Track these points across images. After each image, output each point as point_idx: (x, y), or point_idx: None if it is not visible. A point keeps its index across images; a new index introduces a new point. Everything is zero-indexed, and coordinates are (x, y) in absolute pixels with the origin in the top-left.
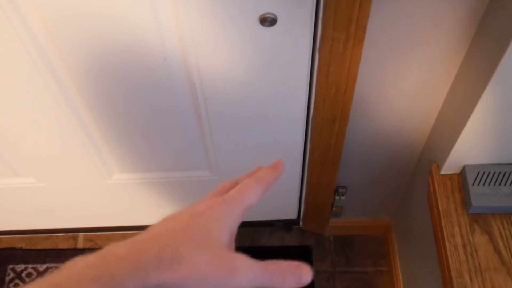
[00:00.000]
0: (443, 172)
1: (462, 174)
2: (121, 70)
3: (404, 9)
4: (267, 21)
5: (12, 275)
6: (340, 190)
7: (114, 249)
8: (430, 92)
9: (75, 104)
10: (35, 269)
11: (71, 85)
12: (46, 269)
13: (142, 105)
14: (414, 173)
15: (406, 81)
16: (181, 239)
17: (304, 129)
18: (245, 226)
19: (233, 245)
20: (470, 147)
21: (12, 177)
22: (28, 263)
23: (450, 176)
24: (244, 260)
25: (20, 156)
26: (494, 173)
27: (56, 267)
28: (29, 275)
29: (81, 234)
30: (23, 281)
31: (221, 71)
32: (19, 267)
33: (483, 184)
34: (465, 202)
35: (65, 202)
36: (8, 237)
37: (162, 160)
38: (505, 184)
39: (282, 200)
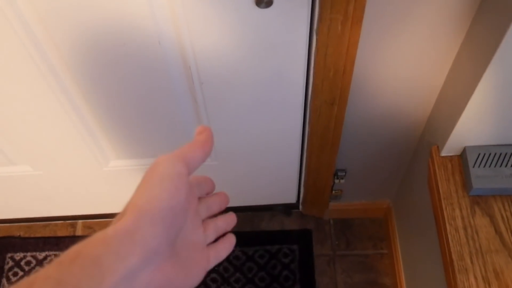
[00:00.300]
0: (443, 154)
1: (462, 156)
2: (115, 55)
3: None
4: (263, 2)
5: (11, 263)
6: (339, 174)
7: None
8: (430, 72)
9: (69, 90)
10: (34, 257)
11: (64, 72)
12: (45, 257)
13: (137, 91)
14: (415, 155)
15: (405, 61)
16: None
17: (303, 112)
18: (244, 210)
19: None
20: (471, 128)
21: (8, 165)
22: (27, 251)
23: (451, 158)
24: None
25: (15, 144)
26: (495, 154)
27: (55, 255)
28: (28, 263)
29: (80, 221)
30: (22, 270)
31: (217, 55)
32: (18, 255)
33: (484, 166)
34: (466, 184)
35: (63, 190)
36: (7, 225)
37: (158, 145)
38: (506, 166)
39: (282, 184)
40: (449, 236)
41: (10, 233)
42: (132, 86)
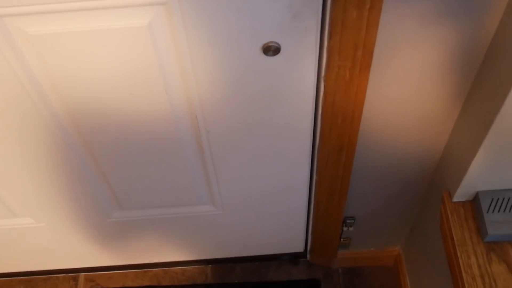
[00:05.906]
0: (455, 199)
1: (475, 201)
2: (121, 105)
3: (410, 32)
4: (271, 50)
5: None
6: (348, 221)
7: None
8: (440, 117)
9: (73, 138)
10: None
11: (67, 119)
12: None
13: (143, 140)
14: (425, 201)
15: (414, 106)
16: None
17: (310, 159)
18: (251, 260)
19: None
20: (483, 173)
21: (10, 218)
22: None
23: (463, 203)
24: None
25: (17, 196)
26: (509, 198)
27: None
28: None
29: (82, 274)
30: None
31: (224, 103)
32: None
33: (498, 211)
34: (480, 230)
35: (65, 242)
36: (7, 279)
37: (164, 196)
38: None
39: (289, 233)
40: (466, 285)
41: (10, 287)
42: (137, 135)
